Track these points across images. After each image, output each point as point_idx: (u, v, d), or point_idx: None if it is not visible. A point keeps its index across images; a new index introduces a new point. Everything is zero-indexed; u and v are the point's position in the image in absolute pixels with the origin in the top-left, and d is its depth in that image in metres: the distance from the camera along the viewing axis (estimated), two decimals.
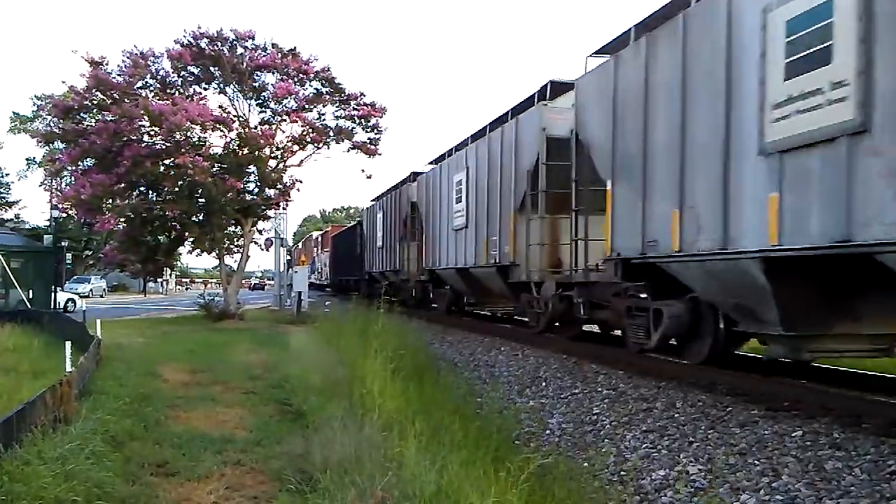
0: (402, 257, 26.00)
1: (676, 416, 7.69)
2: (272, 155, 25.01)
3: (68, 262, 47.50)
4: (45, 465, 4.93)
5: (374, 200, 33.47)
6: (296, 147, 25.42)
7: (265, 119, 25.48)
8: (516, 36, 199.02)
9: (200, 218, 24.06)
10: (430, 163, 23.75)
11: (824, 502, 5.07)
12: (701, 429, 7.10)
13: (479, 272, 17.51)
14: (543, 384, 10.67)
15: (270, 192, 25.15)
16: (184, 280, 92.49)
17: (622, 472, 6.65)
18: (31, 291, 23.01)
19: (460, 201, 18.91)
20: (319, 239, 58.72)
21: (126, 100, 22.25)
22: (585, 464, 7.00)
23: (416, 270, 24.22)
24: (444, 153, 21.76)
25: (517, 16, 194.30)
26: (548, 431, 8.55)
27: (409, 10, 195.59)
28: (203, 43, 23.65)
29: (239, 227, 26.06)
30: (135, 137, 22.41)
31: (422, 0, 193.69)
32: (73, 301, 33.03)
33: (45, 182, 62.19)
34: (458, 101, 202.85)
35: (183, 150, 22.11)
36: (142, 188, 23.77)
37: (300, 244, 72.73)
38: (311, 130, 25.08)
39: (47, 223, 48.93)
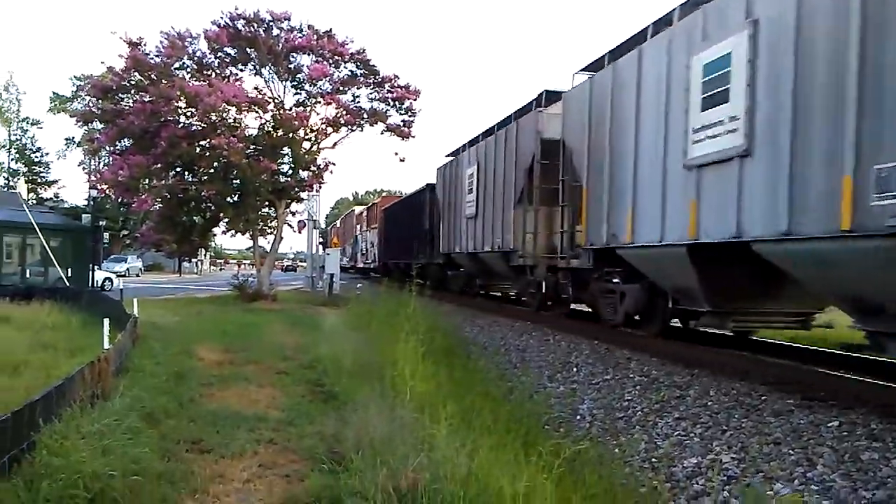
0: (520, 229, 17.01)
1: (710, 403, 7.62)
2: (306, 137, 25.07)
3: (106, 241, 48.28)
4: (83, 439, 5.01)
5: (453, 154, 25.46)
6: (330, 129, 25.45)
7: (300, 101, 25.55)
8: (536, 31, 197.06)
9: (235, 199, 24.25)
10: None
11: (860, 493, 4.99)
12: (735, 417, 7.02)
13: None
14: (574, 370, 10.63)
15: (304, 173, 25.25)
16: (218, 261, 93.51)
17: (654, 459, 6.61)
18: (69, 270, 23.35)
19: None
20: (365, 214, 49.35)
21: (163, 80, 22.43)
22: (616, 450, 6.97)
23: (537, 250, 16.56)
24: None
25: (540, 14, 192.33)
26: (578, 417, 8.52)
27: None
28: (240, 24, 23.72)
29: (273, 209, 26.23)
30: (171, 118, 22.61)
31: None
32: (111, 280, 33.56)
33: (84, 162, 63.50)
34: (484, 87, 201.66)
35: (218, 132, 22.25)
36: (178, 169, 23.97)
37: (338, 222, 67.44)
38: (345, 112, 25.11)
39: (86, 202, 49.79)
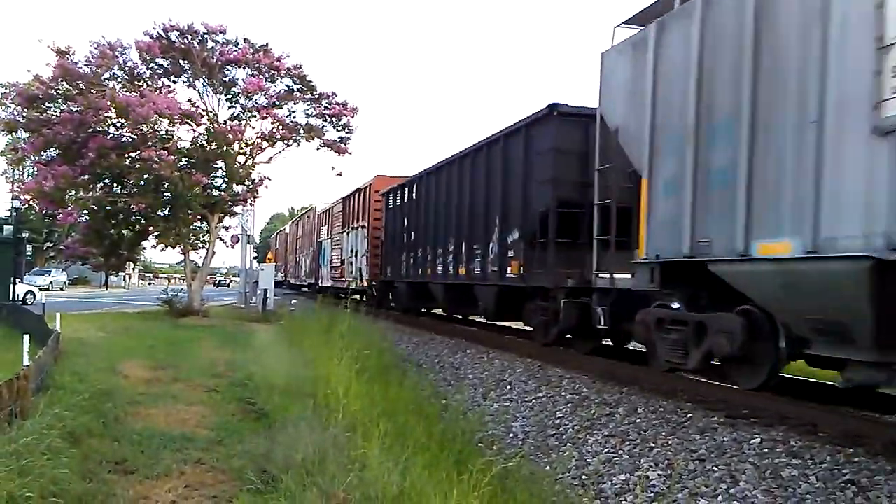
0: None
1: (638, 421, 7.77)
2: (241, 151, 24.80)
3: (28, 253, 46.58)
4: (0, 460, 4.83)
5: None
6: (265, 143, 25.22)
7: (235, 114, 25.27)
8: (488, 41, 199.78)
9: (166, 212, 23.79)
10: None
11: None
12: (661, 434, 7.18)
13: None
14: (508, 387, 10.71)
15: (238, 188, 24.95)
16: (147, 274, 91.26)
17: (584, 476, 6.71)
18: None
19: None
20: (342, 209, 31.42)
21: (92, 90, 21.90)
22: (548, 467, 7.04)
23: None
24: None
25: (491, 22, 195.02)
26: (511, 435, 8.58)
27: (380, 12, 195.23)
28: (173, 36, 23.36)
29: (205, 223, 25.80)
30: (100, 129, 22.11)
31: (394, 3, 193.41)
32: (33, 294, 32.35)
33: (7, 172, 61.23)
34: (430, 104, 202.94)
35: (149, 143, 21.84)
36: (106, 181, 23.40)
37: (287, 228, 56.98)
38: (280, 127, 24.92)
39: (7, 213, 48.02)
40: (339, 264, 31.12)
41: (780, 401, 7.61)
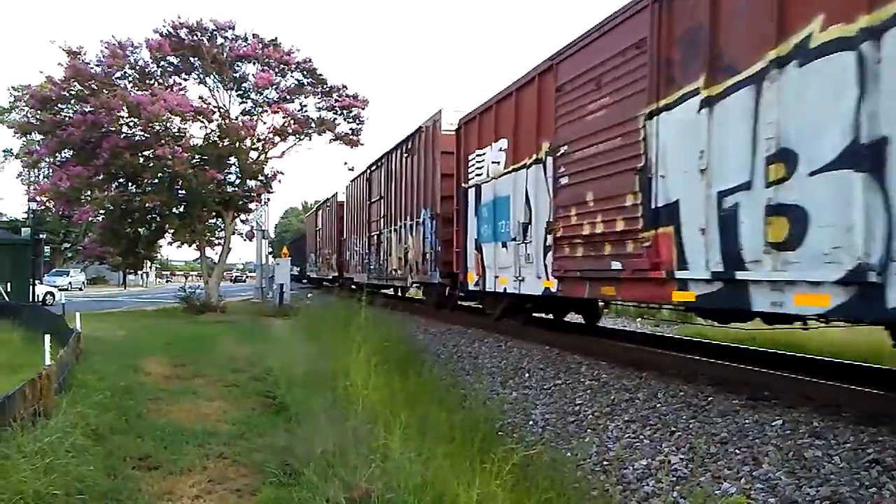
0: None
1: (658, 406, 7.74)
2: (253, 146, 24.89)
3: (47, 254, 47.00)
4: (25, 458, 4.87)
5: None
6: (277, 138, 25.33)
7: (246, 110, 25.38)
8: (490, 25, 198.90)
9: (181, 210, 23.92)
10: None
11: (804, 490, 5.11)
12: (682, 418, 7.14)
13: None
14: (526, 375, 10.69)
15: (251, 183, 25.03)
16: (164, 273, 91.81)
17: (605, 462, 6.69)
18: (9, 285, 22.76)
19: None
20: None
21: (104, 90, 22.02)
22: (568, 454, 7.03)
23: None
24: None
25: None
26: (531, 422, 8.57)
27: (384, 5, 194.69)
28: (182, 33, 23.46)
29: (220, 220, 25.91)
30: (113, 128, 22.23)
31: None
32: (52, 294, 32.71)
33: (23, 174, 61.76)
34: (436, 90, 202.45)
35: (162, 142, 21.97)
36: (121, 180, 23.56)
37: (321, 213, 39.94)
38: (292, 121, 24.98)
39: (25, 215, 48.43)
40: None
41: (802, 381, 7.56)
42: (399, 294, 26.34)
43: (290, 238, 74.85)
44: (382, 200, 23.32)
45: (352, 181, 29.27)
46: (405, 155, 20.32)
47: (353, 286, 27.86)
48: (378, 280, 24.07)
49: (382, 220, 23.31)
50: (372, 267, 24.90)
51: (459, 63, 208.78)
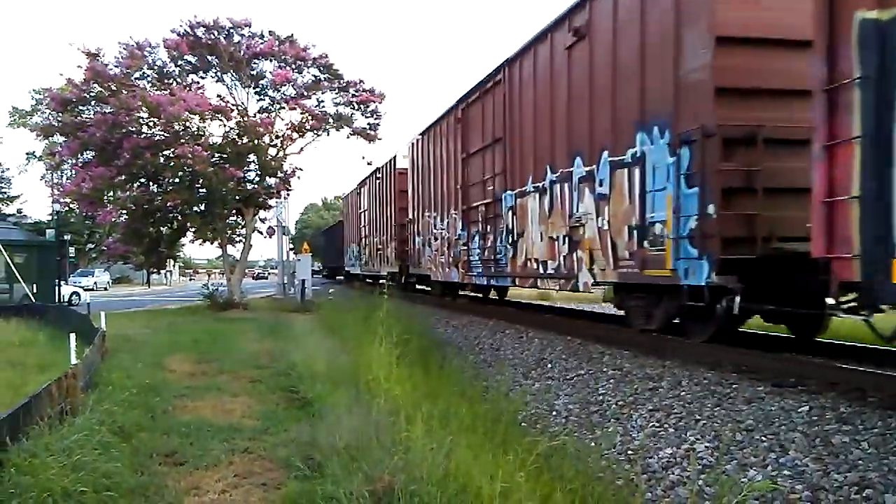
0: None
1: (682, 394, 7.69)
2: (272, 143, 24.99)
3: (71, 255, 47.55)
4: (52, 456, 4.93)
5: None
6: (295, 134, 25.41)
7: (264, 107, 25.50)
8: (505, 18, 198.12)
9: (202, 208, 24.08)
10: None
11: (832, 476, 5.06)
12: (707, 406, 7.09)
13: None
14: (549, 366, 10.66)
15: (271, 180, 25.15)
16: (187, 271, 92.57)
17: (629, 452, 6.66)
18: (35, 286, 23.01)
19: None
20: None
21: (124, 91, 22.19)
22: (592, 444, 7.00)
23: None
24: None
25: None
26: (554, 413, 8.55)
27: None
28: (199, 32, 23.60)
29: (240, 217, 26.05)
30: (133, 129, 22.41)
31: None
32: (78, 294, 33.08)
33: (46, 176, 62.40)
34: (451, 83, 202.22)
35: (182, 141, 22.11)
36: (142, 180, 23.76)
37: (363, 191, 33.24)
38: (310, 117, 25.05)
39: (49, 217, 48.96)
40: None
41: (827, 367, 7.47)
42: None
43: (310, 234, 75.10)
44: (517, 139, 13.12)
45: (422, 134, 20.17)
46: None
47: (429, 287, 21.30)
48: (498, 279, 15.32)
49: (506, 176, 13.75)
50: (493, 258, 14.85)
51: (476, 52, 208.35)
